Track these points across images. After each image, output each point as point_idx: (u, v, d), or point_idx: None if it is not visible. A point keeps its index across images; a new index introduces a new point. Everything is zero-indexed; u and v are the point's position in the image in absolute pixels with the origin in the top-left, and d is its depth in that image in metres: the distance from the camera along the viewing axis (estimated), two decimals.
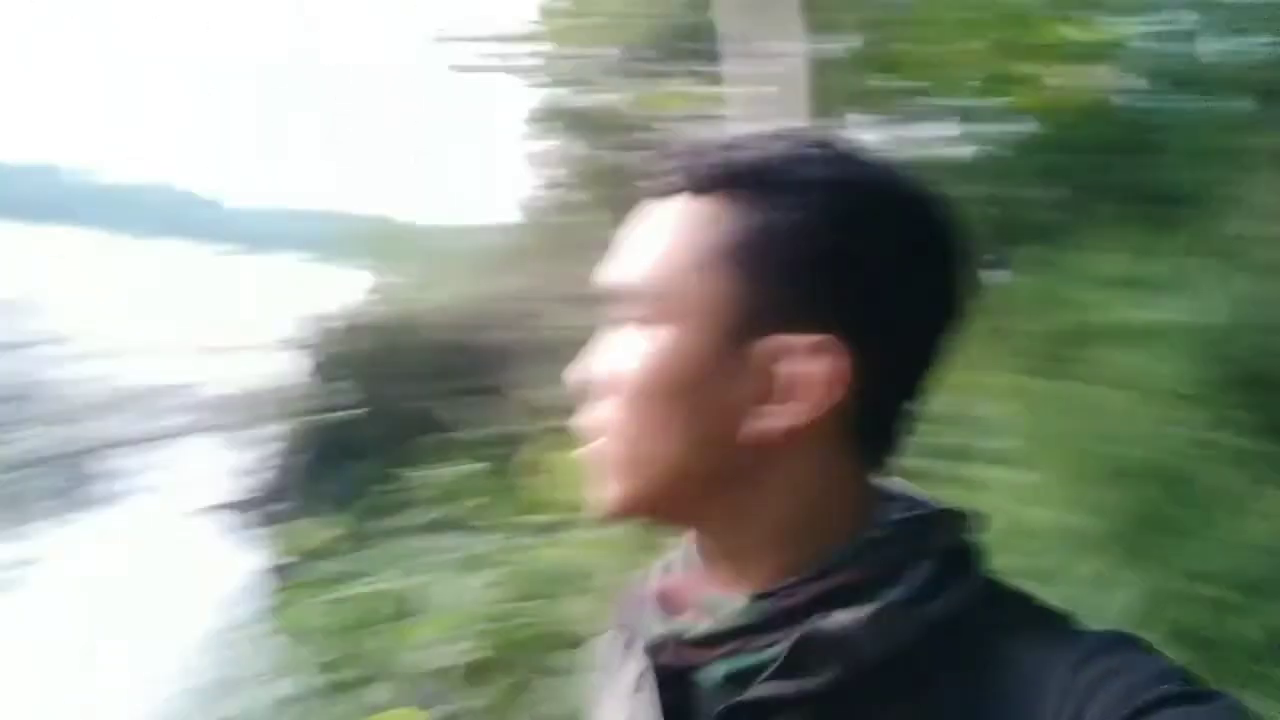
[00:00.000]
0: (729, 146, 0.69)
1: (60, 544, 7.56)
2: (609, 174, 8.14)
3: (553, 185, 8.33)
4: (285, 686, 4.47)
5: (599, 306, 0.71)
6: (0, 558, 7.06)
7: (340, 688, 3.91)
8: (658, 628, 0.70)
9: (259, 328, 9.64)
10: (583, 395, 0.71)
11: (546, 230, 7.68)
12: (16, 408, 9.91)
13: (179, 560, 7.14)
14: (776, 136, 0.70)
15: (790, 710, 0.63)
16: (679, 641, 0.69)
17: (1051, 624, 0.64)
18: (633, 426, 0.67)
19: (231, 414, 8.16)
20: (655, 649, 0.70)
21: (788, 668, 0.63)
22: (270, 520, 6.52)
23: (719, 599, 0.68)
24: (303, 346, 7.03)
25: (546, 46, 7.92)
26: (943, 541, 0.67)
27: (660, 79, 6.52)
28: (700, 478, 0.67)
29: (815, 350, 0.64)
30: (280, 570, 5.82)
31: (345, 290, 8.76)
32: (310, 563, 5.26)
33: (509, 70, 7.81)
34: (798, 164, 0.66)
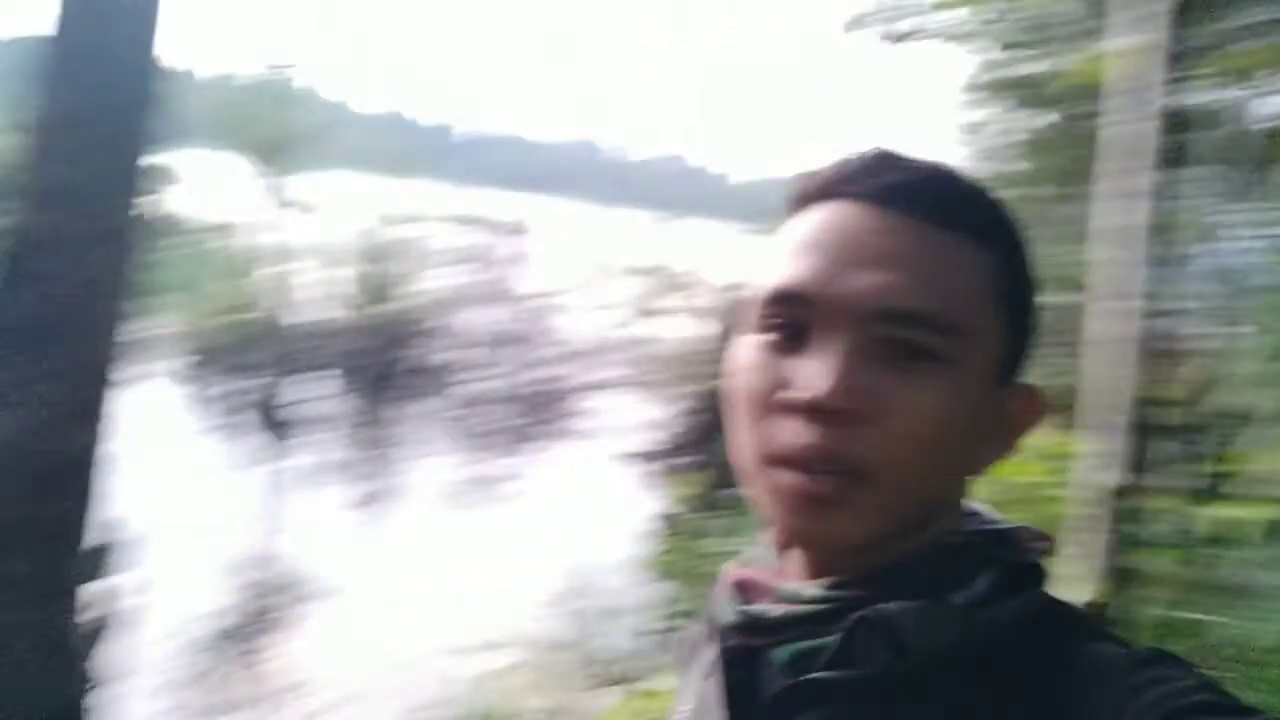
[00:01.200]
0: (948, 179, 0.70)
1: (519, 470, 8.85)
2: (1054, 145, 7.48)
3: (988, 158, 7.84)
4: (648, 621, 4.87)
5: (867, 322, 0.65)
6: (474, 476, 8.49)
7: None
8: (731, 614, 0.72)
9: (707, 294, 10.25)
10: (837, 416, 0.64)
11: None
12: (512, 351, 11.62)
13: (601, 496, 8.01)
14: (950, 170, 0.71)
15: (843, 696, 0.64)
16: (752, 626, 0.70)
17: (1100, 638, 0.65)
18: (914, 465, 0.65)
19: (658, 370, 8.87)
20: (728, 633, 0.72)
21: (843, 654, 0.64)
22: (672, 471, 7.03)
23: (796, 589, 0.69)
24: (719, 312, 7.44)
25: (988, 9, 7.44)
26: (1010, 556, 0.68)
27: (1100, 39, 5.86)
28: (929, 513, 0.68)
29: (1030, 395, 0.72)
30: (670, 518, 6.30)
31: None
32: (694, 514, 5.63)
33: (944, 37, 7.47)
34: (1001, 210, 0.71)
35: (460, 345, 11.50)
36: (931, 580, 0.65)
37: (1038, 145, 7.52)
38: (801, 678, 0.65)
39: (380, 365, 10.58)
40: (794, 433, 0.65)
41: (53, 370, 2.57)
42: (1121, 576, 3.45)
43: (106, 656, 4.80)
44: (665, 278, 12.77)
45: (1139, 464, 3.65)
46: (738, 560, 0.80)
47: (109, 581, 5.42)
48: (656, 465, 7.88)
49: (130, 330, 2.96)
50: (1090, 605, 3.20)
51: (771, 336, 0.68)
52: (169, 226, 14.52)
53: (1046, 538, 0.71)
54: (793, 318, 0.67)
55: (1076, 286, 5.39)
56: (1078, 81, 6.33)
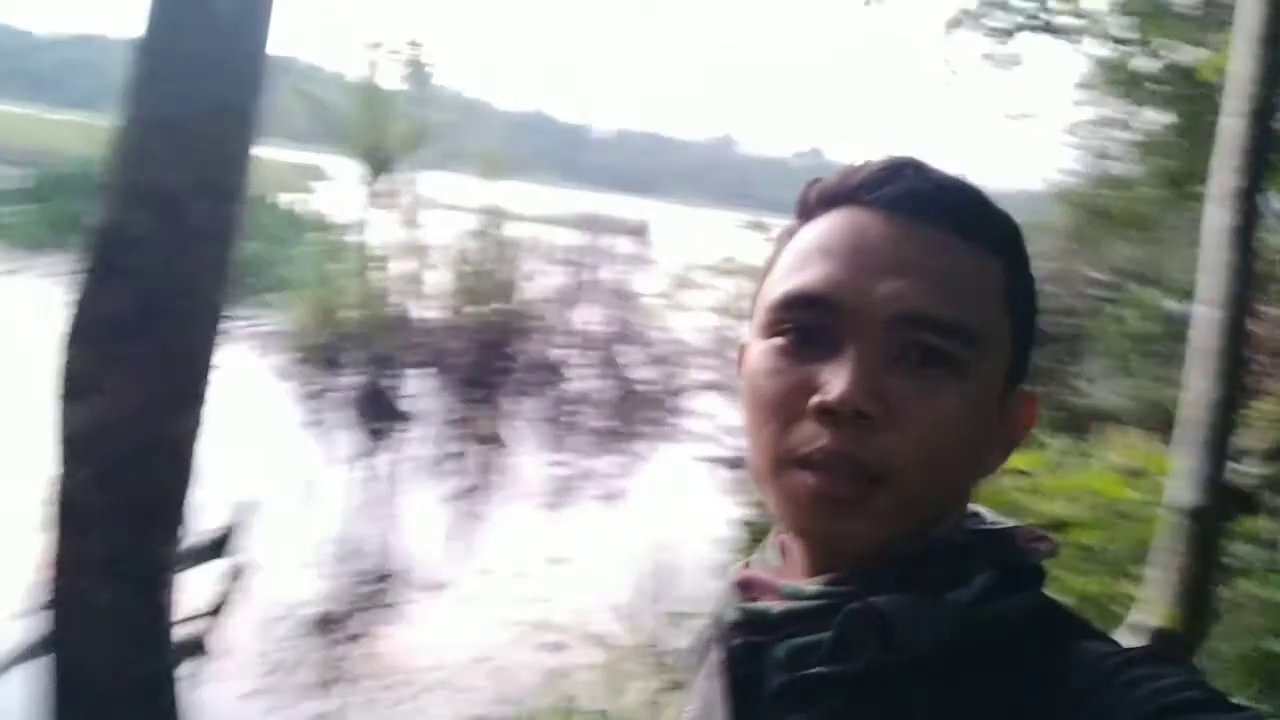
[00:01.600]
0: (964, 189, 0.71)
1: (618, 469, 8.93)
2: (1169, 145, 7.15)
3: (1100, 155, 7.54)
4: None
5: (886, 326, 0.66)
6: (572, 474, 8.61)
7: None
8: (734, 612, 0.73)
9: None
10: (857, 420, 0.65)
11: (1085, 204, 7.00)
12: (619, 351, 11.69)
13: (693, 498, 8.00)
14: (963, 181, 0.73)
15: (836, 691, 0.65)
16: (754, 624, 0.71)
17: (1094, 638, 0.66)
18: (930, 469, 0.66)
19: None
20: (730, 631, 0.73)
21: (836, 648, 0.65)
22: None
23: (797, 586, 0.70)
24: None
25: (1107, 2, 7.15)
26: (1008, 557, 0.69)
27: (1219, 32, 5.57)
28: (937, 515, 0.70)
29: (1030, 402, 0.74)
30: (748, 524, 6.28)
31: None
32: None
33: (1054, 31, 7.21)
34: (1011, 222, 0.73)
35: (569, 344, 11.65)
36: (930, 578, 0.66)
37: (1152, 146, 7.20)
38: (794, 675, 0.66)
39: (487, 362, 10.80)
40: (812, 435, 0.65)
41: (145, 360, 2.70)
42: (1203, 602, 3.24)
43: (205, 638, 5.07)
44: None
45: (1230, 484, 3.44)
46: (742, 561, 0.82)
47: (213, 566, 5.72)
48: (734, 472, 7.85)
49: (228, 323, 3.08)
50: (1162, 633, 3.03)
51: (783, 341, 0.69)
52: (302, 223, 15.18)
53: (1046, 538, 0.71)
54: (807, 322, 0.68)
55: (1186, 294, 5.14)
56: (1197, 78, 6.03)
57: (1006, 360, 0.70)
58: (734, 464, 8.00)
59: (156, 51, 2.78)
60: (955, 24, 8.96)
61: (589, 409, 10.45)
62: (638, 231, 12.49)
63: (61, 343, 2.66)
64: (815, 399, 0.65)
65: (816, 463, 0.65)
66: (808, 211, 0.74)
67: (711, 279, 13.00)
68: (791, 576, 0.73)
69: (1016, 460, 3.84)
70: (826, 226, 0.71)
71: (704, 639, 0.82)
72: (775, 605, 0.70)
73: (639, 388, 11.06)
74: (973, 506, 0.74)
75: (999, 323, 0.69)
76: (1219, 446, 3.42)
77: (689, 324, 12.46)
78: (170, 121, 2.76)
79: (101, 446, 2.65)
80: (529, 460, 8.82)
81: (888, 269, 0.67)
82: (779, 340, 0.69)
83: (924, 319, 0.66)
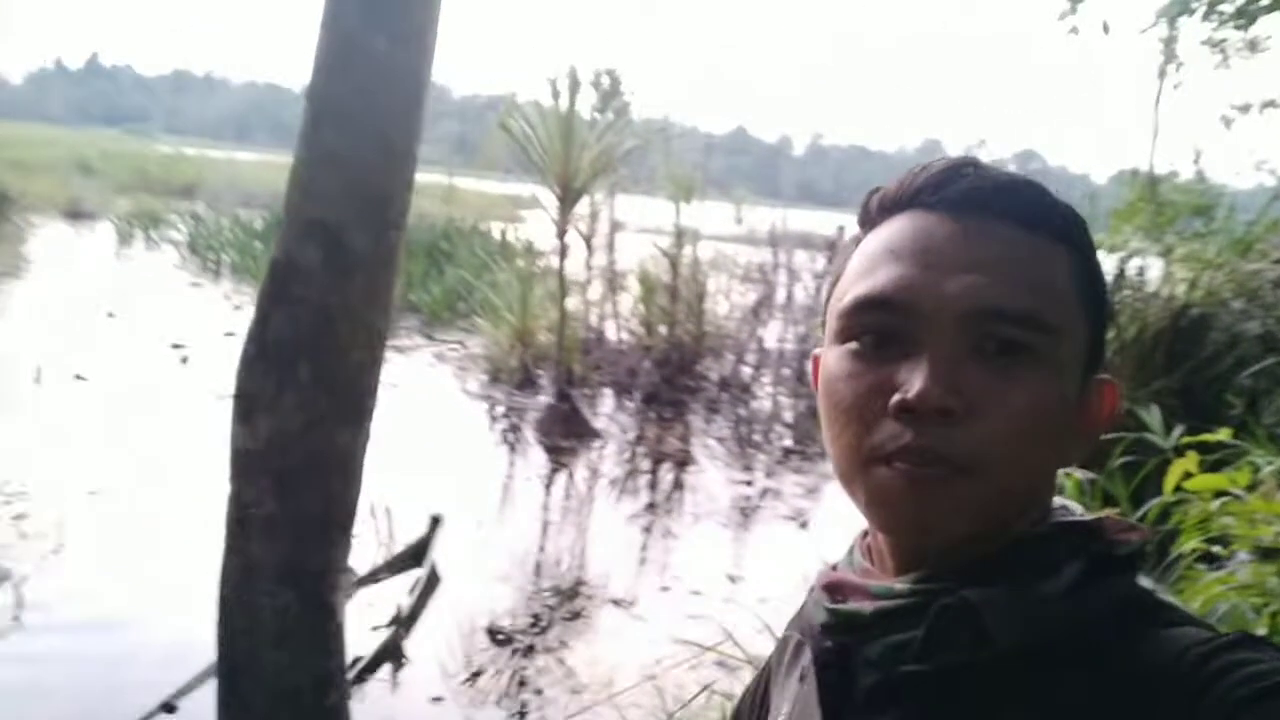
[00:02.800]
0: (1023, 184, 0.72)
1: (803, 487, 8.79)
2: None
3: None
4: None
5: (961, 323, 0.67)
6: (757, 492, 8.55)
7: None
8: (823, 615, 0.74)
9: None
10: (937, 416, 0.65)
11: None
12: (806, 370, 11.55)
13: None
14: (1022, 176, 0.73)
15: (929, 689, 0.65)
16: (845, 625, 0.72)
17: (1189, 624, 0.66)
18: (1013, 459, 0.66)
19: None
20: (821, 633, 0.75)
21: (928, 644, 0.66)
22: None
23: (888, 585, 0.71)
24: None
25: None
26: (1097, 547, 0.69)
27: None
28: (1023, 506, 0.70)
29: (1110, 389, 0.75)
30: None
31: None
32: None
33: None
34: (1073, 211, 0.74)
35: (757, 363, 11.60)
36: (1020, 571, 0.66)
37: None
38: (887, 673, 0.67)
39: (675, 380, 10.92)
40: (895, 434, 0.66)
41: (312, 381, 2.92)
42: None
43: (399, 645, 5.37)
44: None
45: None
46: (829, 565, 0.83)
47: (409, 576, 6.06)
48: None
49: (390, 344, 3.27)
50: None
51: (857, 345, 0.70)
52: (509, 250, 15.95)
53: (1136, 528, 0.71)
54: (880, 325, 0.69)
55: None
56: None
57: (1083, 347, 0.70)
58: None
59: (325, 95, 3.01)
60: (1177, 9, 8.34)
61: (777, 427, 10.36)
62: (829, 245, 12.28)
63: (239, 365, 2.93)
64: (895, 398, 0.66)
65: (901, 457, 0.66)
66: (871, 220, 0.75)
67: None
68: (879, 578, 0.73)
69: (1218, 480, 3.48)
70: (891, 231, 0.71)
71: (791, 643, 0.83)
72: (866, 605, 0.70)
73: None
74: (1060, 500, 0.74)
75: (1072, 310, 0.69)
76: None
77: None
78: (335, 159, 2.99)
79: (272, 461, 2.88)
80: (715, 478, 8.82)
81: (956, 266, 0.67)
82: (853, 345, 0.70)
83: (997, 312, 0.66)
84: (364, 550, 6.11)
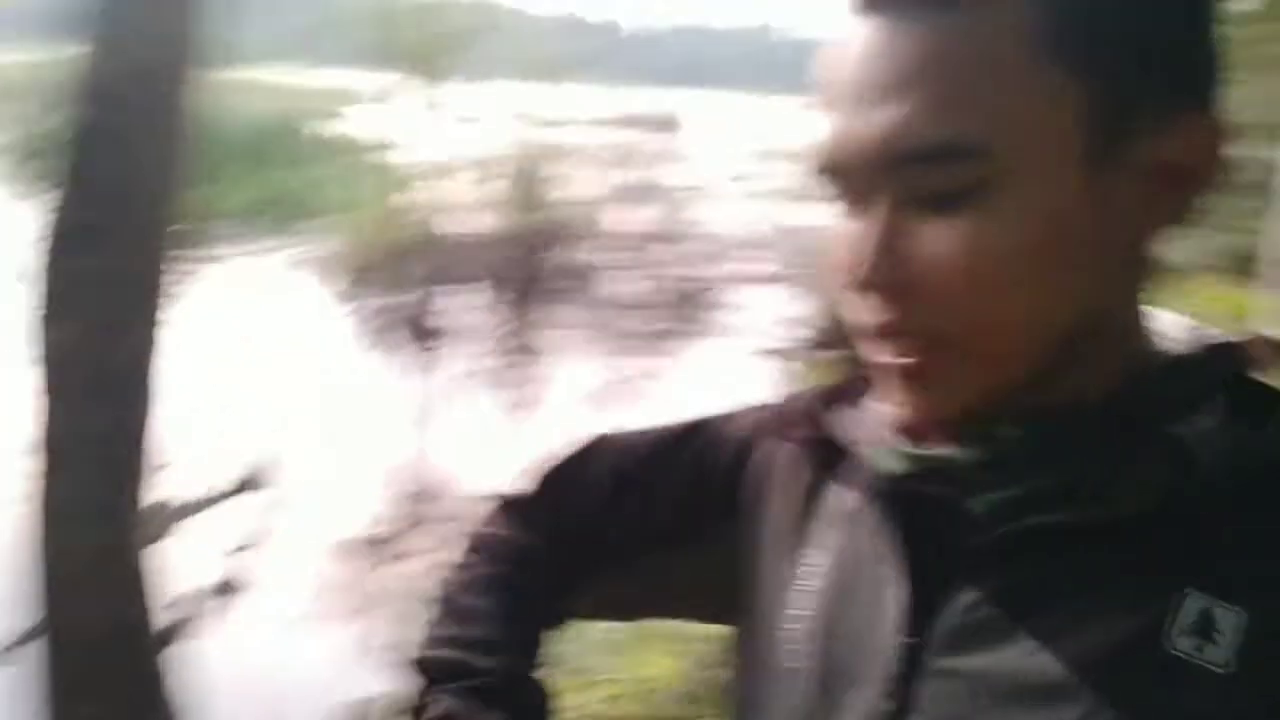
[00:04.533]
0: None
1: (665, 369, 8.75)
2: None
3: None
4: None
5: (887, 174, 0.55)
6: (620, 377, 8.45)
7: None
8: (896, 461, 0.62)
9: None
10: (892, 291, 0.57)
11: None
12: (660, 249, 11.44)
13: (745, 392, 7.76)
14: None
15: (1071, 544, 0.56)
16: (937, 472, 0.61)
17: None
18: (997, 316, 0.55)
19: (806, 262, 8.48)
20: (891, 483, 0.63)
21: (1079, 496, 0.55)
22: (816, 366, 6.74)
23: (981, 429, 0.59)
24: None
25: None
26: (1235, 373, 0.59)
27: None
28: (1068, 337, 0.57)
29: (1190, 131, 0.54)
30: None
31: None
32: None
33: None
34: None
35: (609, 247, 11.40)
36: (1152, 409, 0.57)
37: None
38: (1028, 521, 0.56)
39: (531, 271, 10.64)
40: (865, 310, 0.58)
41: (104, 276, 2.53)
42: None
43: (243, 572, 5.04)
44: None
45: None
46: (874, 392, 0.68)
47: (255, 496, 5.70)
48: (801, 360, 7.60)
49: (185, 237, 2.97)
50: None
51: (839, 203, 0.60)
52: (334, 147, 15.05)
53: (1268, 344, 0.68)
54: (836, 190, 0.59)
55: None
56: None
57: (1083, 121, 0.53)
58: (786, 355, 7.79)
59: None
60: None
61: (635, 311, 10.23)
62: (671, 126, 12.06)
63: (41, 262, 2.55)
64: (848, 275, 0.58)
65: (877, 337, 0.58)
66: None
67: (759, 167, 12.52)
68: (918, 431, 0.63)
69: None
70: (829, 63, 0.59)
71: (798, 468, 0.72)
72: (965, 451, 0.59)
73: (685, 286, 10.78)
74: (1166, 315, 0.62)
75: (1037, 89, 0.52)
76: None
77: (736, 216, 12.08)
78: (117, 48, 2.70)
79: (60, 374, 2.48)
80: (577, 367, 8.68)
81: (874, 97, 0.55)
82: (838, 204, 0.60)
83: (911, 154, 0.53)
84: (204, 473, 5.72)
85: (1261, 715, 0.51)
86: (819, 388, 0.78)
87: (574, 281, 10.77)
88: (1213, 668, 0.51)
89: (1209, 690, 0.51)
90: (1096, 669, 0.54)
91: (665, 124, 11.97)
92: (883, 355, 0.59)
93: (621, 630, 3.16)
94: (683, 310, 10.18)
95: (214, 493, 5.73)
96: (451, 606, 0.78)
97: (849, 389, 0.74)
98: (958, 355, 0.57)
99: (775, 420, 0.79)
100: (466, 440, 6.96)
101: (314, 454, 6.25)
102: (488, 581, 0.80)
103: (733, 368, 8.60)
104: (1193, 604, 0.53)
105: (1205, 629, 0.52)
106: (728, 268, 11.10)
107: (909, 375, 0.59)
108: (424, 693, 0.71)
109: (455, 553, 0.86)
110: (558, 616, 0.82)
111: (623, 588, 0.84)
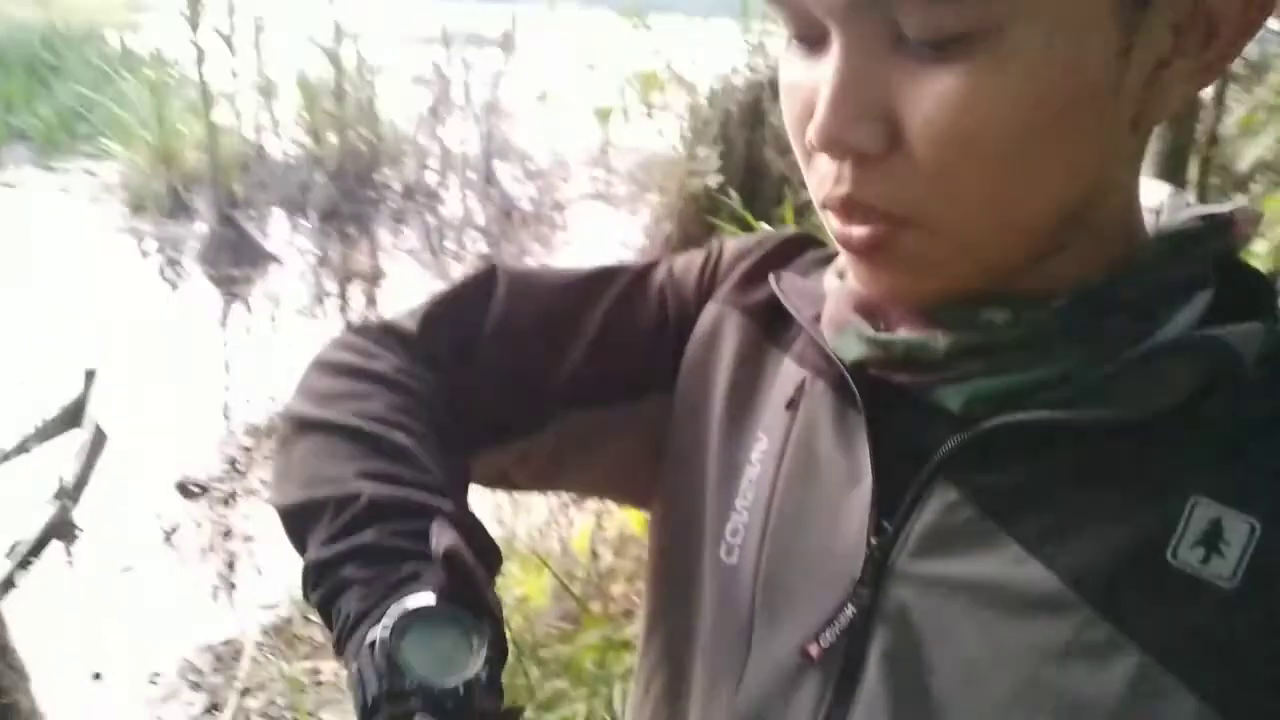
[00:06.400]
0: None
1: None
2: None
3: None
4: None
5: (859, 10, 0.46)
6: None
7: None
8: (859, 347, 0.56)
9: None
10: (853, 156, 0.49)
11: None
12: (488, 169, 11.11)
13: None
14: None
15: (1065, 444, 0.50)
16: (909, 358, 0.54)
17: None
18: (974, 191, 0.47)
19: (626, 180, 8.42)
20: (845, 369, 0.57)
21: (1081, 390, 0.50)
22: None
23: (960, 311, 0.53)
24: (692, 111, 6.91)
25: None
26: (1233, 251, 0.55)
27: None
28: (1068, 216, 0.50)
29: None
30: None
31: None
32: None
33: None
34: None
35: (440, 167, 11.00)
36: (1153, 294, 0.51)
37: None
38: (1023, 417, 0.50)
39: (354, 194, 10.16)
40: (824, 177, 0.51)
41: None
42: None
43: (69, 517, 4.70)
44: (650, 81, 12.09)
45: None
46: (833, 269, 0.63)
47: (68, 439, 5.28)
48: None
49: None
50: None
51: (796, 44, 0.52)
52: (131, 60, 13.77)
53: (1251, 214, 0.54)
54: (796, 27, 0.50)
55: None
56: None
57: None
58: None
59: None
60: None
61: (470, 232, 9.97)
62: (503, 44, 11.65)
63: None
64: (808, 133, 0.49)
65: (837, 210, 0.51)
66: None
67: (589, 83, 12.28)
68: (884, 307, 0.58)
69: None
70: None
71: (741, 336, 0.66)
72: (946, 336, 0.53)
73: (519, 206, 10.57)
74: (1155, 187, 0.55)
75: None
76: None
77: (568, 134, 11.85)
78: None
79: None
80: (410, 292, 8.39)
81: None
82: (793, 43, 0.52)
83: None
84: (7, 421, 5.27)
85: (1263, 633, 0.46)
86: (778, 239, 0.70)
87: (404, 203, 10.37)
88: (1217, 581, 0.47)
89: (1209, 606, 0.47)
90: (1091, 581, 0.49)
91: (498, 41, 11.53)
92: (843, 230, 0.52)
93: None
94: (518, 231, 10.00)
95: (27, 437, 5.29)
96: (374, 442, 0.64)
97: (811, 255, 0.68)
98: (923, 239, 0.50)
99: (726, 279, 0.70)
100: (291, 372, 6.66)
101: (131, 392, 5.84)
102: (402, 414, 0.66)
103: None
104: (1202, 513, 0.48)
105: (1213, 540, 0.47)
106: (563, 187, 10.93)
107: (868, 253, 0.52)
108: (395, 533, 0.57)
109: (337, 376, 0.75)
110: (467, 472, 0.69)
111: (535, 449, 0.71)
